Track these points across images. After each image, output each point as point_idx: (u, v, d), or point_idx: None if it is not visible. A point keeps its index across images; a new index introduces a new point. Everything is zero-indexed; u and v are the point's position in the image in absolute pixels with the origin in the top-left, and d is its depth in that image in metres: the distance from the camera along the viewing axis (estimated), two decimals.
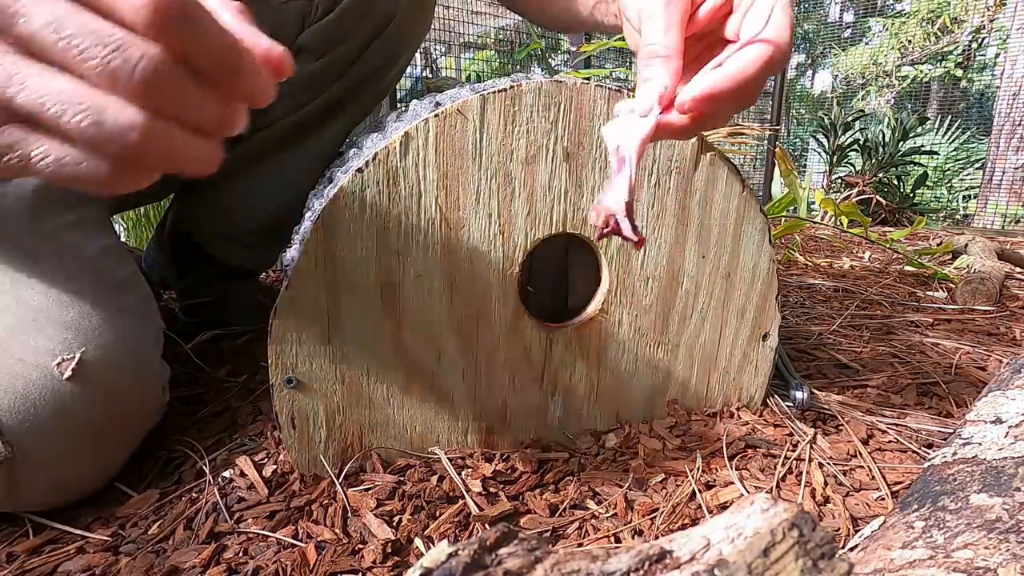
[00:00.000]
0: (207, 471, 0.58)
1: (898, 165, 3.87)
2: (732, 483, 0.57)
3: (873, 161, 3.87)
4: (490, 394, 0.61)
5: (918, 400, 0.77)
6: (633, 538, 0.51)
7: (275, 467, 0.58)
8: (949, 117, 6.16)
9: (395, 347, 0.56)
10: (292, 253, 0.58)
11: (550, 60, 5.47)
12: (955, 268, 1.59)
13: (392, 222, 0.53)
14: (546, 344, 0.61)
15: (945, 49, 7.08)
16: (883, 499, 0.55)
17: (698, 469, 0.59)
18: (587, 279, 0.64)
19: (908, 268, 1.64)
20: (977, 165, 5.70)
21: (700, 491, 0.56)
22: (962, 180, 5.82)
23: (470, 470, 0.58)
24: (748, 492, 0.56)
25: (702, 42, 0.48)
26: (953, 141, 5.93)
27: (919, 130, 4.05)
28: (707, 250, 0.64)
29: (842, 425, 0.68)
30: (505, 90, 0.52)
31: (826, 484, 0.57)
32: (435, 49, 4.10)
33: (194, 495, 0.56)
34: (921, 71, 7.35)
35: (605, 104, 0.55)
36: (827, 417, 0.71)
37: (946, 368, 0.87)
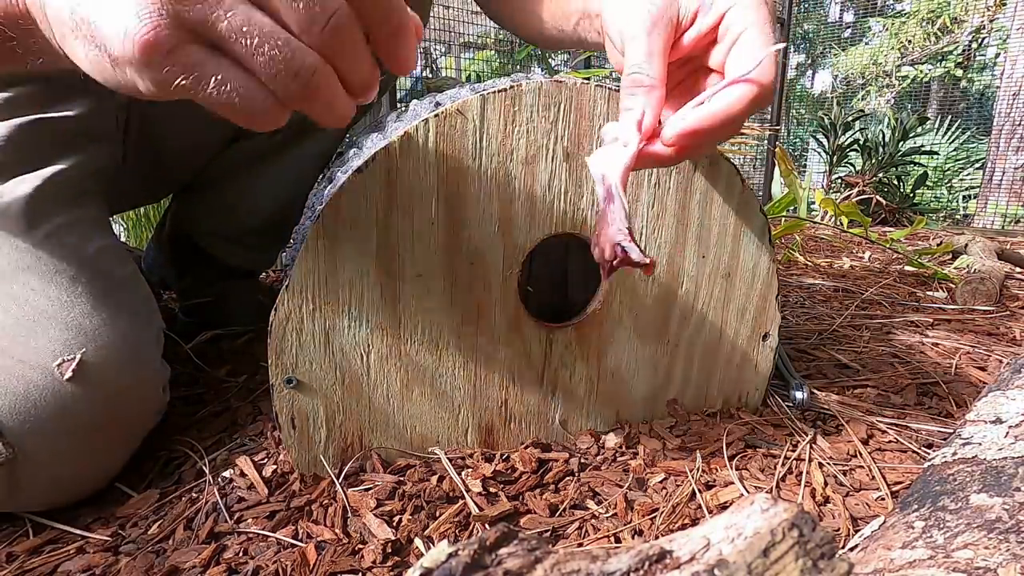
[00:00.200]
0: (207, 471, 0.58)
1: (898, 165, 3.87)
2: (732, 483, 0.57)
3: (873, 161, 3.87)
4: (490, 394, 0.61)
5: (918, 400, 0.77)
6: (633, 538, 0.51)
7: (275, 467, 0.58)
8: (949, 117, 6.16)
9: (395, 347, 0.56)
10: (292, 253, 0.58)
11: (550, 60, 5.47)
12: (955, 268, 1.59)
13: (392, 222, 0.53)
14: (546, 344, 0.61)
15: (945, 49, 7.08)
16: (883, 499, 0.55)
17: (698, 469, 0.59)
18: (587, 279, 0.64)
19: (908, 268, 1.64)
20: (977, 165, 5.70)
21: (700, 491, 0.56)
22: (962, 180, 5.82)
23: (470, 470, 0.58)
24: (748, 492, 0.56)
25: (686, 67, 0.48)
26: (953, 141, 5.93)
27: (919, 130, 4.05)
28: (707, 250, 0.64)
29: (842, 425, 0.68)
30: (505, 90, 0.52)
31: (826, 484, 0.57)
32: (435, 49, 4.10)
33: (194, 495, 0.56)
34: (921, 71, 7.35)
35: (605, 104, 0.55)
36: (827, 417, 0.71)
37: (946, 368, 0.87)
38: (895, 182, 3.99)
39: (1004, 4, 5.98)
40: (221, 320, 0.94)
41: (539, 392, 0.63)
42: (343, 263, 0.52)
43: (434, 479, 0.56)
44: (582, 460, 0.60)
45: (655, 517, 0.52)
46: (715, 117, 0.40)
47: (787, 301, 1.26)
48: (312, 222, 0.52)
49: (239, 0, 0.27)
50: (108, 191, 0.68)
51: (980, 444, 0.50)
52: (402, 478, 0.57)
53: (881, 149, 3.88)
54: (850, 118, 3.91)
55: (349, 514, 0.52)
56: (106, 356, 0.53)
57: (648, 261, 0.40)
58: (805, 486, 0.57)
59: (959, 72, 7.32)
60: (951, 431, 0.60)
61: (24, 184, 0.56)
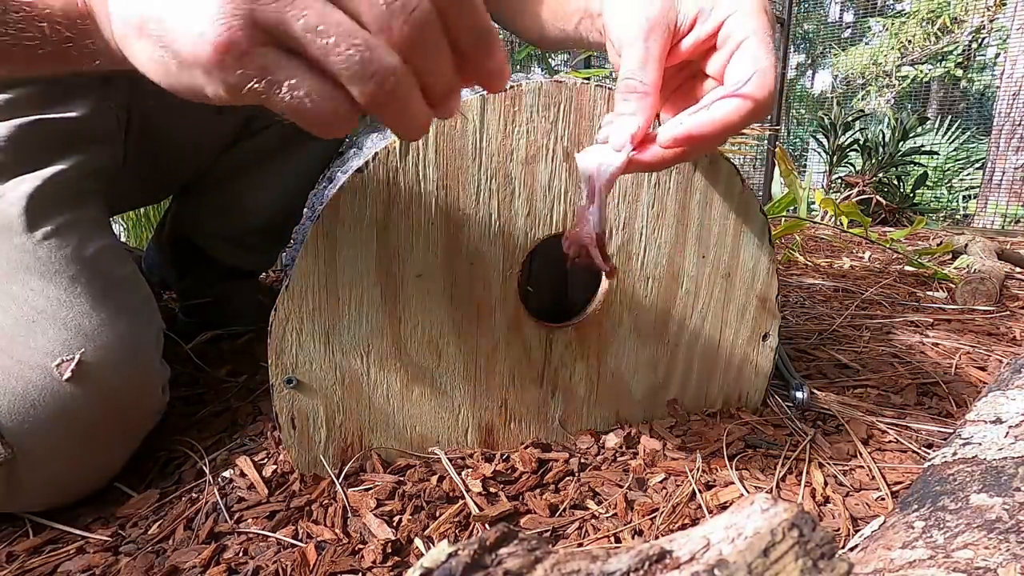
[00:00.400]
0: (207, 471, 0.58)
1: (898, 165, 3.88)
2: (732, 483, 0.57)
3: (873, 161, 3.87)
4: (490, 394, 0.61)
5: (918, 400, 0.77)
6: (633, 538, 0.51)
7: (275, 467, 0.58)
8: (949, 117, 6.16)
9: (395, 347, 0.56)
10: (292, 253, 0.58)
11: (550, 60, 5.47)
12: (955, 268, 1.59)
13: (392, 222, 0.53)
14: (546, 344, 0.61)
15: (945, 49, 7.08)
16: (883, 499, 0.55)
17: (698, 469, 0.59)
18: (587, 279, 0.64)
19: (908, 268, 1.64)
20: (977, 165, 5.70)
21: (700, 491, 0.56)
22: (962, 180, 5.82)
23: (470, 470, 0.58)
24: (748, 492, 0.56)
25: (683, 72, 0.48)
26: (953, 141, 5.93)
27: (919, 130, 4.05)
28: (707, 250, 0.64)
29: (842, 425, 0.68)
30: (505, 90, 0.52)
31: (826, 484, 0.57)
32: None
33: (194, 495, 0.56)
34: (921, 71, 7.35)
35: (605, 104, 0.55)
36: (827, 417, 0.71)
37: (946, 368, 0.87)
38: (895, 182, 3.99)
39: (1004, 4, 5.98)
40: (221, 320, 0.94)
41: (539, 392, 0.63)
42: (343, 263, 0.52)
43: (434, 479, 0.56)
44: (582, 460, 0.60)
45: (655, 517, 0.52)
46: (714, 124, 0.40)
47: (787, 301, 1.26)
48: (312, 222, 0.52)
49: (315, 1, 0.26)
50: (108, 192, 0.68)
51: (980, 444, 0.50)
52: (402, 478, 0.57)
53: (881, 149, 3.88)
54: (850, 118, 3.92)
55: (349, 514, 0.52)
56: (105, 356, 0.53)
57: (607, 269, 0.43)
58: (805, 486, 0.57)
59: (959, 72, 7.32)
60: (951, 431, 0.60)
61: (24, 184, 0.56)
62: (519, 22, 0.72)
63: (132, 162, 0.74)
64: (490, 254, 0.56)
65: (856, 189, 3.73)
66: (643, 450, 0.62)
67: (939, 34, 6.97)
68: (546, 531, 0.51)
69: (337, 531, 0.50)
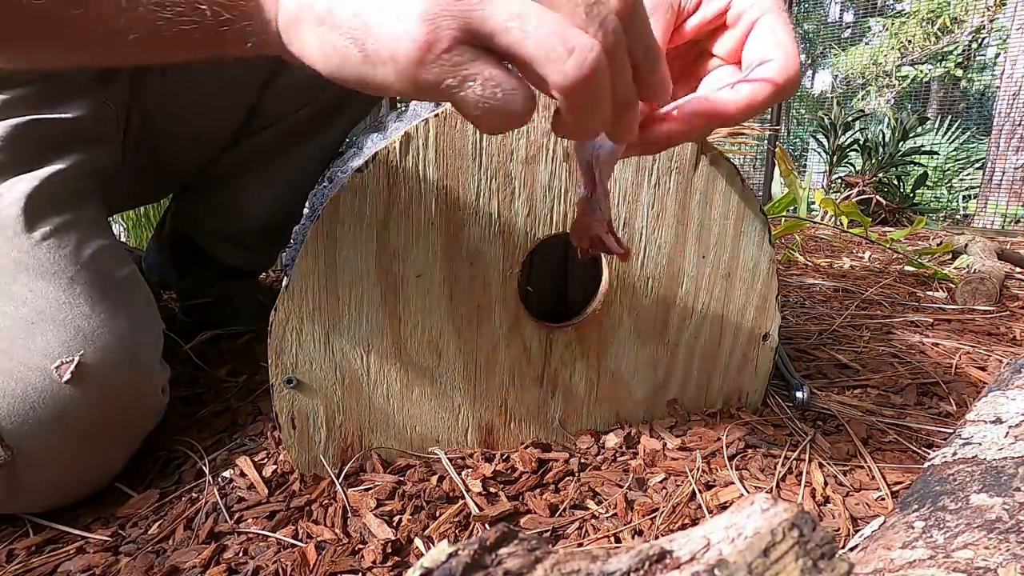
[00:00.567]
0: (207, 471, 0.58)
1: (898, 165, 3.88)
2: (732, 483, 0.57)
3: (873, 161, 3.87)
4: (490, 394, 0.61)
5: (918, 400, 0.77)
6: (633, 538, 0.51)
7: (275, 467, 0.58)
8: (949, 117, 6.16)
9: (395, 347, 0.56)
10: (292, 253, 0.58)
11: None
12: (955, 268, 1.59)
13: (392, 222, 0.53)
14: (546, 344, 0.61)
15: (945, 49, 7.08)
16: (883, 499, 0.55)
17: (698, 469, 0.59)
18: (587, 279, 0.64)
19: (908, 268, 1.64)
20: (977, 165, 5.70)
21: (700, 491, 0.56)
22: (962, 180, 5.82)
23: (470, 470, 0.58)
24: (748, 492, 0.56)
25: (689, 54, 0.47)
26: (953, 141, 5.93)
27: (919, 130, 4.05)
28: (707, 250, 0.64)
29: (842, 425, 0.68)
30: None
31: (826, 484, 0.57)
32: None
33: (194, 495, 0.56)
34: (921, 71, 7.35)
35: None
36: (827, 417, 0.71)
37: (946, 368, 0.87)
38: (895, 182, 3.99)
39: (1004, 4, 5.99)
40: (221, 320, 0.94)
41: (539, 392, 0.63)
42: (343, 263, 0.52)
43: (434, 479, 0.56)
44: (582, 460, 0.60)
45: (655, 517, 0.52)
46: (736, 105, 0.39)
47: (787, 301, 1.26)
48: (312, 222, 0.52)
49: None
50: (107, 191, 0.68)
51: (980, 444, 0.50)
52: (402, 478, 0.57)
53: (881, 149, 3.88)
54: (850, 118, 3.92)
55: (349, 514, 0.52)
56: (105, 357, 0.53)
57: (622, 251, 0.41)
58: (805, 486, 0.57)
59: (959, 72, 7.32)
60: (951, 431, 0.60)
61: (22, 184, 0.56)
62: None
63: (131, 162, 0.74)
64: (490, 254, 0.56)
65: (856, 189, 3.73)
66: (643, 450, 0.62)
67: (939, 34, 6.97)
68: (546, 531, 0.51)
69: (337, 531, 0.50)
